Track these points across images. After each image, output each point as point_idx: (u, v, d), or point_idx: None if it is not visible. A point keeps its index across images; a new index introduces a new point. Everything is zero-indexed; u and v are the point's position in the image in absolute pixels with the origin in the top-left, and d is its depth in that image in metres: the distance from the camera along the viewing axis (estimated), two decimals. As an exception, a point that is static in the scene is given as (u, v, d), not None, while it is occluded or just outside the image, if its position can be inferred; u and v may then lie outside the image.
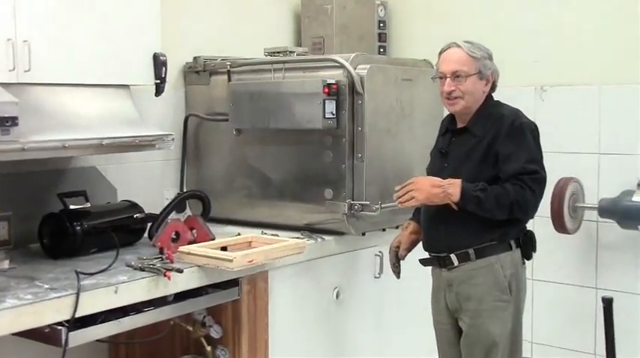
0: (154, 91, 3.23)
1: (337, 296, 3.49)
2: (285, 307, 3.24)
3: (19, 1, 2.71)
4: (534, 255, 3.03)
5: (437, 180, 2.90)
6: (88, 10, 2.95)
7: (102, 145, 2.91)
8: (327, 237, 3.43)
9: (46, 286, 2.54)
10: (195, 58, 3.84)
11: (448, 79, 2.93)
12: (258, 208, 3.66)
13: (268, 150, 3.63)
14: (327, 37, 4.31)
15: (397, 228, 3.68)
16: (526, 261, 3.00)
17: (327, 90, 3.28)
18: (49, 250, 3.03)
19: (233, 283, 3.02)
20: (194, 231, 3.18)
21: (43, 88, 2.84)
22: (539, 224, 4.11)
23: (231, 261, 2.82)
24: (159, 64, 3.17)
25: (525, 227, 2.99)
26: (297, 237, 3.32)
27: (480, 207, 2.82)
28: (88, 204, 3.14)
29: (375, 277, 3.66)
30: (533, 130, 2.93)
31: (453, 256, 2.95)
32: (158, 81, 3.19)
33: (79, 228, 2.99)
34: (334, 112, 3.32)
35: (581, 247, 4.12)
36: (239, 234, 3.30)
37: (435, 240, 3.02)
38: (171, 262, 2.85)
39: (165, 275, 2.71)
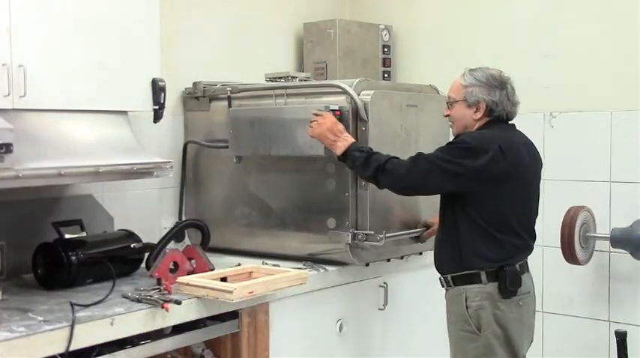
0: (153, 117, 3.24)
1: (340, 329, 3.48)
2: (287, 340, 3.23)
3: (14, 25, 2.73)
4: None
5: (339, 128, 3.21)
6: (86, 35, 2.97)
7: (99, 173, 2.92)
8: (329, 268, 3.43)
9: (40, 318, 2.54)
10: (194, 84, 3.87)
11: (446, 105, 3.17)
12: (258, 238, 3.66)
13: (269, 177, 3.64)
14: (330, 61, 4.35)
15: (402, 258, 3.70)
16: (517, 298, 3.01)
17: (330, 116, 3.30)
18: (43, 281, 3.03)
19: (233, 315, 3.02)
20: (193, 261, 3.18)
21: (39, 114, 2.86)
22: (549, 254, 4.14)
23: (231, 292, 2.82)
24: (157, 89, 3.20)
25: (505, 262, 2.98)
26: (299, 268, 3.32)
27: (353, 164, 3.15)
28: (84, 234, 3.15)
29: (380, 309, 3.66)
30: (469, 146, 2.95)
31: (441, 278, 3.15)
32: (157, 107, 3.21)
33: (74, 258, 2.99)
34: (337, 139, 3.33)
35: (593, 279, 4.11)
36: (239, 265, 3.31)
37: (434, 256, 3.21)
38: (169, 293, 2.85)
39: (162, 307, 2.71)
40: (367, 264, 3.52)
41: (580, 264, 3.95)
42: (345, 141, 3.17)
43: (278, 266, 3.31)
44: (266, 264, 3.37)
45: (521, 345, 3.06)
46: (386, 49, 4.60)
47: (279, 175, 3.60)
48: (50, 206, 3.33)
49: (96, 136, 3.07)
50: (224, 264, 3.32)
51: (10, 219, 3.19)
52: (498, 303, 2.98)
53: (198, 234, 3.51)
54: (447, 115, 3.16)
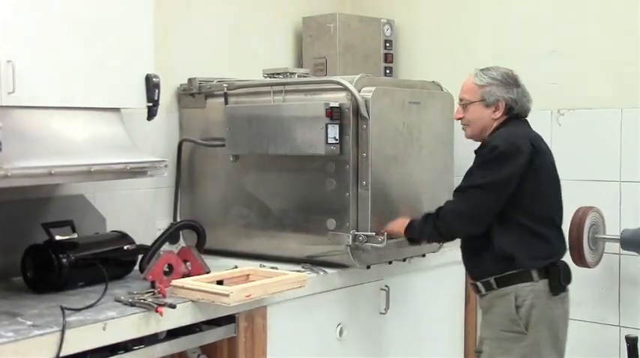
0: (147, 115, 3.24)
1: (340, 334, 3.48)
2: (285, 345, 3.23)
3: (3, 20, 2.72)
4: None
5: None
6: (77, 29, 2.97)
7: (90, 172, 2.92)
8: (329, 270, 3.42)
9: (29, 323, 2.54)
10: (189, 80, 3.86)
11: (459, 106, 3.20)
12: (256, 239, 3.66)
13: (267, 177, 3.63)
14: (329, 57, 4.34)
15: (404, 260, 3.70)
16: (563, 294, 3.12)
17: (329, 113, 3.30)
18: (33, 284, 3.03)
19: (229, 319, 3.02)
20: (188, 263, 3.17)
21: (29, 111, 2.85)
22: (557, 256, 4.12)
23: (227, 295, 2.81)
24: (151, 85, 3.19)
25: (554, 258, 3.10)
26: (298, 270, 3.32)
27: (417, 232, 3.26)
28: (75, 235, 3.15)
29: (381, 313, 3.66)
30: (500, 151, 3.02)
31: (479, 284, 3.16)
32: (151, 104, 3.20)
33: (65, 260, 2.99)
34: (337, 137, 3.33)
35: (603, 282, 4.11)
36: (236, 267, 3.30)
37: (465, 267, 3.31)
38: (164, 297, 2.84)
39: (157, 311, 2.71)
40: (368, 267, 3.52)
41: (589, 267, 3.94)
42: (402, 222, 3.31)
43: (276, 268, 3.31)
44: (264, 266, 3.37)
45: (564, 345, 3.15)
46: (387, 44, 4.59)
47: (277, 175, 3.60)
48: (40, 206, 3.33)
49: (87, 134, 3.06)
50: (220, 267, 3.31)
51: (-1, 219, 3.19)
52: (549, 301, 3.05)
53: (194, 236, 3.50)
54: (460, 118, 3.21)
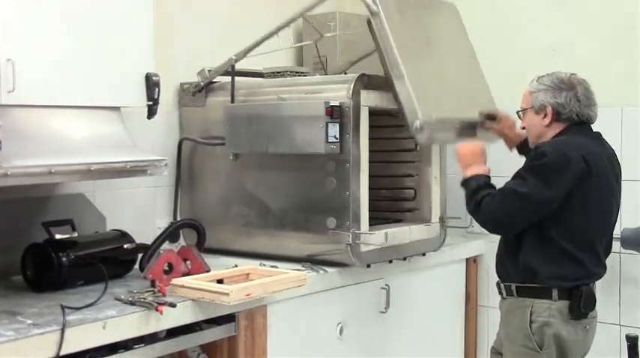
0: (146, 113, 3.24)
1: (341, 332, 3.48)
2: (285, 344, 3.23)
3: (3, 18, 2.72)
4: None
5: (479, 153, 3.23)
6: (77, 28, 2.97)
7: (90, 171, 2.92)
8: (329, 269, 3.42)
9: (29, 322, 2.54)
10: (200, 72, 3.83)
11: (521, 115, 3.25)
12: (256, 238, 3.66)
13: (267, 176, 3.64)
14: (329, 56, 4.33)
15: (405, 259, 3.70)
16: (586, 321, 3.05)
17: (330, 112, 3.30)
18: (33, 283, 3.03)
19: (229, 318, 3.02)
20: (188, 262, 3.18)
21: (28, 110, 2.85)
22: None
23: (227, 294, 2.81)
24: (151, 84, 3.19)
25: (580, 282, 3.00)
26: (298, 269, 3.32)
27: (467, 191, 3.15)
28: (75, 234, 3.15)
29: (381, 312, 3.66)
30: (548, 160, 2.95)
31: (502, 286, 3.16)
32: (150, 102, 3.20)
33: (64, 259, 2.99)
34: (337, 136, 3.33)
35: (603, 281, 4.05)
36: (236, 266, 3.30)
37: (496, 264, 3.25)
38: (164, 296, 2.84)
39: (157, 310, 2.71)
40: (368, 265, 3.52)
41: (589, 266, 3.94)
42: (476, 168, 3.19)
43: (276, 267, 3.31)
44: (264, 265, 3.37)
45: None
46: (389, 44, 4.58)
47: (277, 173, 3.60)
48: (40, 205, 3.33)
49: (87, 133, 3.07)
50: (220, 265, 3.31)
51: (-1, 218, 3.19)
52: (565, 324, 2.99)
53: (194, 235, 3.51)
54: (523, 127, 3.23)
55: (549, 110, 3.07)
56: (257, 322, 3.12)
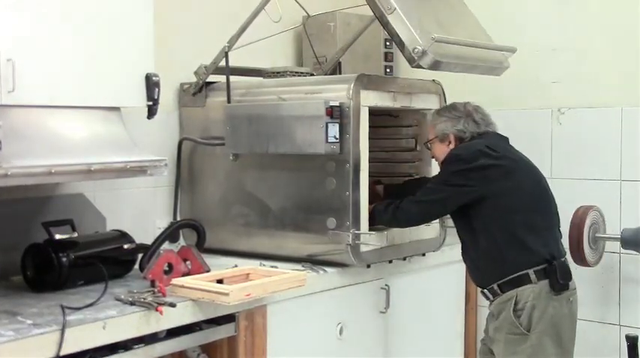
0: (146, 114, 3.24)
1: (341, 333, 3.48)
2: (285, 344, 3.23)
3: (2, 17, 2.72)
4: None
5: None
6: (77, 28, 2.97)
7: (90, 171, 2.92)
8: (329, 269, 3.42)
9: (29, 322, 2.54)
10: (197, 70, 3.83)
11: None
12: (256, 238, 3.67)
13: (267, 176, 3.64)
14: (330, 56, 4.33)
15: (404, 259, 3.70)
16: (568, 293, 3.21)
17: (329, 112, 3.30)
18: (33, 283, 3.03)
19: (229, 318, 3.02)
20: (188, 262, 3.18)
21: (29, 110, 2.85)
22: (557, 255, 4.12)
23: (227, 294, 2.82)
24: (151, 84, 3.19)
25: (551, 256, 3.17)
26: (298, 269, 3.32)
27: (378, 219, 3.45)
28: (75, 234, 3.15)
29: (381, 312, 3.66)
30: (454, 157, 3.29)
31: (486, 291, 3.30)
32: (150, 103, 3.20)
33: (64, 259, 2.99)
34: (337, 136, 3.33)
35: (603, 281, 4.11)
36: (236, 266, 3.31)
37: (471, 278, 3.56)
38: (164, 296, 2.85)
39: (156, 310, 2.71)
40: (368, 266, 3.52)
41: (589, 266, 3.95)
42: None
43: (276, 267, 3.31)
44: (263, 265, 3.37)
45: (571, 343, 3.24)
46: (388, 43, 4.59)
47: (277, 173, 3.60)
48: (40, 205, 3.33)
49: (87, 133, 3.07)
50: (220, 266, 3.31)
51: (-1, 218, 3.19)
52: (550, 301, 3.14)
53: (194, 235, 3.51)
54: (432, 156, 3.53)
55: (452, 137, 3.37)
56: (257, 322, 3.12)
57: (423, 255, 3.81)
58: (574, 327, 3.28)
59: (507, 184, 3.21)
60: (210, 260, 3.29)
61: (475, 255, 3.30)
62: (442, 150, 3.40)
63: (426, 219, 3.49)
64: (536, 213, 3.25)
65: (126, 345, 2.69)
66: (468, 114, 3.38)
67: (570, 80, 4.19)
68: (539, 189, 3.33)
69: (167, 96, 3.79)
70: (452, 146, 3.37)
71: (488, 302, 3.33)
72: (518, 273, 3.16)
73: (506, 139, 3.43)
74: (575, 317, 3.29)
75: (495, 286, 3.22)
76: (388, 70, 4.60)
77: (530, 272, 3.14)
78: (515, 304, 3.14)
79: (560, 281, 3.16)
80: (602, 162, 4.08)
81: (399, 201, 3.38)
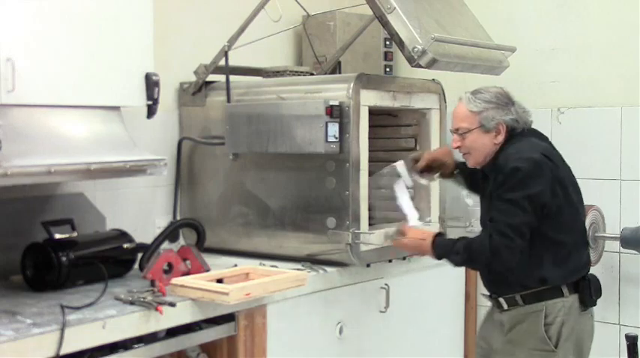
0: (146, 113, 3.24)
1: (340, 332, 3.48)
2: (285, 344, 3.23)
3: (2, 17, 2.72)
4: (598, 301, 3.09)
5: (424, 232, 3.13)
6: (77, 27, 2.96)
7: (90, 170, 2.92)
8: (329, 269, 3.42)
9: (29, 321, 2.54)
10: (197, 70, 3.83)
11: (455, 136, 3.08)
12: (256, 238, 3.67)
13: (267, 175, 3.64)
14: (329, 56, 4.33)
15: (404, 258, 3.70)
16: (592, 309, 3.06)
17: (329, 111, 3.30)
18: (33, 282, 3.03)
19: (229, 318, 3.02)
20: (188, 262, 3.18)
21: (28, 110, 2.85)
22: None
23: (227, 294, 2.82)
24: (151, 84, 3.19)
25: (584, 271, 3.03)
26: (298, 269, 3.32)
27: (455, 260, 3.02)
28: (75, 233, 3.14)
29: (381, 311, 3.66)
30: (525, 173, 2.88)
31: (502, 300, 3.05)
32: (150, 102, 3.20)
33: (64, 258, 2.99)
34: (337, 136, 3.33)
35: (602, 280, 4.07)
36: (236, 266, 3.31)
37: (485, 281, 3.17)
38: (163, 295, 2.85)
39: (156, 310, 2.71)
40: (368, 265, 3.52)
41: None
42: (428, 237, 3.09)
43: (276, 267, 3.32)
44: (263, 264, 3.37)
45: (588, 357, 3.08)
46: (388, 43, 4.59)
47: (277, 173, 3.60)
48: (40, 205, 3.33)
49: (87, 133, 3.07)
50: (220, 265, 3.32)
51: (-2, 218, 3.19)
52: (578, 316, 2.98)
53: (193, 234, 3.51)
54: (458, 147, 3.09)
55: (503, 128, 3.01)
56: (257, 322, 3.12)
57: (423, 254, 3.80)
58: (591, 343, 3.15)
59: (564, 200, 2.95)
60: (210, 259, 3.29)
61: None
62: (483, 142, 3.02)
63: (522, 236, 2.90)
64: (580, 228, 3.08)
65: (125, 345, 2.69)
66: (513, 102, 3.04)
67: (570, 80, 4.19)
68: (581, 200, 3.10)
69: (167, 96, 3.79)
70: (500, 138, 3.00)
71: (495, 309, 3.11)
72: (550, 286, 2.95)
73: (546, 138, 3.15)
74: (593, 333, 3.16)
75: (518, 296, 2.98)
76: (388, 70, 4.59)
77: (563, 285, 2.95)
78: (545, 317, 2.94)
79: (592, 297, 3.00)
80: (601, 162, 4.08)
81: (483, 242, 2.92)
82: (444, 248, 3.04)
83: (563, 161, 3.07)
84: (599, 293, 3.06)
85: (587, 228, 3.82)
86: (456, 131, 3.07)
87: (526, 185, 2.87)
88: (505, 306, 3.04)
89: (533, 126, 3.14)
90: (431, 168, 3.39)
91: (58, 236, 3.07)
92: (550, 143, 3.13)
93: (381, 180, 3.57)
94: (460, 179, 3.40)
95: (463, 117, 3.04)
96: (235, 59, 3.79)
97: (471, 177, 3.33)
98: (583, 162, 4.10)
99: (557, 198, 2.93)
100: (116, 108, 3.18)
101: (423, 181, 3.47)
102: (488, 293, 3.15)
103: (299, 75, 3.89)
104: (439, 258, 3.07)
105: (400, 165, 3.39)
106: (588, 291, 3.00)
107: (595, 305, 3.06)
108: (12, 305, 2.74)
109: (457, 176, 3.39)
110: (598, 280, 3.07)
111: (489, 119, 2.99)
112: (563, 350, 2.96)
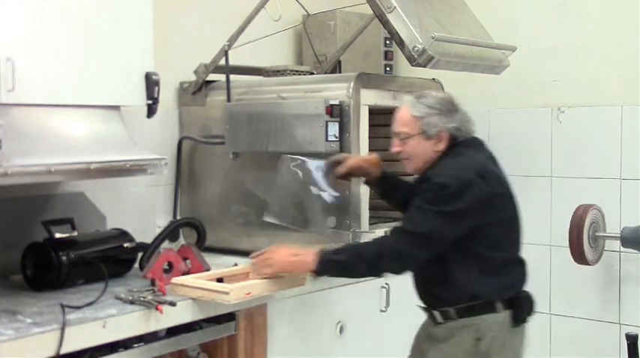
0: (146, 112, 3.24)
1: (341, 331, 3.49)
2: (285, 343, 3.24)
3: (2, 17, 2.72)
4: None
5: (296, 249, 2.91)
6: (77, 26, 2.97)
7: (90, 170, 2.92)
8: (329, 268, 3.42)
9: (29, 321, 2.54)
10: (197, 70, 3.83)
11: (396, 140, 2.97)
12: (256, 237, 3.66)
13: (267, 175, 3.63)
14: (330, 55, 4.34)
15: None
16: (524, 325, 2.95)
17: (329, 111, 3.30)
18: (33, 282, 3.03)
19: (229, 317, 3.02)
20: (188, 261, 3.18)
21: (28, 109, 2.85)
22: (557, 254, 4.14)
23: (227, 293, 2.82)
24: (151, 83, 3.19)
25: (519, 287, 2.93)
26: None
27: (342, 268, 2.84)
28: (75, 233, 3.14)
29: (381, 311, 3.66)
30: (447, 188, 2.75)
31: (436, 313, 2.93)
32: (150, 101, 3.20)
33: (64, 258, 2.99)
34: (337, 135, 3.33)
35: (603, 279, 4.11)
36: (236, 265, 3.30)
37: (418, 293, 3.02)
38: (164, 295, 2.84)
39: (156, 309, 2.71)
40: (368, 265, 3.51)
41: (589, 264, 3.95)
42: (308, 253, 2.86)
43: (276, 266, 3.31)
44: (264, 264, 3.37)
45: None
46: (388, 42, 4.59)
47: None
48: (40, 204, 3.33)
49: (87, 132, 3.07)
50: (220, 264, 3.31)
51: (-2, 217, 3.19)
52: (509, 333, 2.89)
53: (194, 233, 3.51)
54: (399, 151, 2.96)
55: (445, 135, 2.88)
56: (257, 321, 3.12)
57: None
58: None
59: (499, 216, 2.84)
60: (210, 259, 3.29)
61: (434, 273, 2.89)
62: (424, 148, 2.89)
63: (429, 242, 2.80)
64: (517, 243, 2.96)
65: (126, 344, 2.69)
66: (457, 109, 2.92)
67: (570, 79, 4.19)
68: (519, 216, 2.96)
69: (167, 95, 3.80)
70: (441, 146, 2.88)
71: (430, 322, 2.98)
72: (482, 301, 2.84)
73: (485, 147, 3.01)
74: (524, 348, 3.00)
75: (452, 310, 2.86)
76: (388, 69, 4.59)
77: (498, 301, 2.84)
78: (476, 331, 2.83)
79: (525, 314, 2.90)
80: (602, 161, 4.08)
81: (378, 246, 2.85)
82: (327, 254, 2.85)
83: (500, 176, 2.91)
84: (531, 311, 2.95)
85: (586, 226, 3.84)
86: (397, 135, 2.95)
87: (445, 202, 2.74)
88: (440, 319, 2.92)
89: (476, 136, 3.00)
90: (351, 175, 3.27)
91: (58, 235, 3.07)
92: (490, 155, 3.00)
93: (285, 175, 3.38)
94: (378, 191, 3.28)
95: (405, 121, 2.92)
96: (235, 58, 3.79)
97: (391, 191, 3.23)
98: (583, 162, 4.12)
99: (484, 215, 2.79)
100: (116, 108, 3.18)
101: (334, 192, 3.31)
102: (423, 306, 3.03)
103: (299, 74, 3.89)
104: (322, 263, 2.84)
105: (312, 164, 3.27)
106: (521, 308, 2.90)
107: (526, 322, 2.95)
108: (12, 305, 2.74)
109: (378, 187, 3.27)
110: (532, 297, 2.96)
111: (431, 125, 2.87)
112: None
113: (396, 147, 2.97)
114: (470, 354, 2.85)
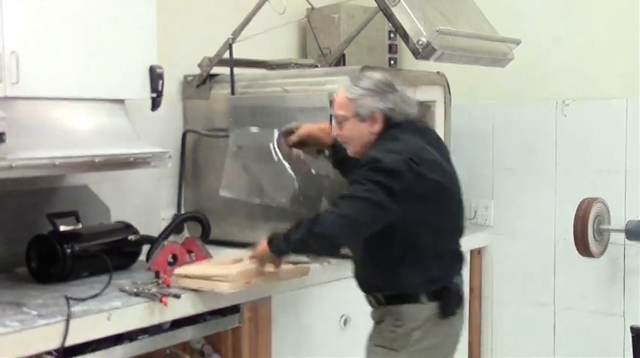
0: (150, 106, 3.25)
1: (345, 324, 3.49)
2: (290, 335, 3.24)
3: (6, 10, 2.72)
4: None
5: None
6: (81, 20, 2.97)
7: (95, 163, 2.93)
8: (333, 260, 3.42)
9: (34, 313, 2.55)
10: (201, 63, 3.83)
11: (334, 124, 2.94)
12: (260, 230, 3.64)
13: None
14: (334, 48, 4.33)
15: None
16: (453, 319, 2.89)
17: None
18: (38, 274, 3.04)
19: (233, 310, 3.03)
20: (192, 254, 3.19)
21: (33, 102, 2.86)
22: (562, 247, 4.13)
23: (225, 276, 2.81)
24: (155, 76, 3.20)
25: (448, 279, 2.88)
26: (302, 261, 3.32)
27: (295, 244, 2.78)
28: (80, 225, 3.15)
29: (386, 304, 3.66)
30: (380, 162, 2.70)
31: (371, 298, 2.94)
32: (154, 95, 3.21)
33: (69, 250, 3.00)
34: (341, 128, 3.32)
35: (607, 272, 4.11)
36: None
37: (356, 280, 3.00)
38: (168, 287, 2.86)
39: (161, 301, 2.72)
40: (372, 257, 3.52)
41: (594, 257, 3.95)
42: (263, 245, 2.86)
43: (280, 259, 3.31)
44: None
45: None
46: (392, 35, 4.58)
47: (281, 165, 3.60)
48: (45, 197, 3.34)
49: (91, 125, 3.08)
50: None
51: (3, 210, 3.20)
52: (435, 325, 2.82)
53: (198, 227, 3.51)
54: (338, 135, 2.93)
55: (379, 116, 2.82)
56: (261, 313, 3.13)
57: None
58: (455, 349, 2.97)
59: (432, 207, 2.76)
60: (214, 251, 3.31)
61: (365, 260, 2.91)
62: (360, 130, 2.84)
63: (354, 226, 2.74)
64: (453, 237, 2.92)
65: (130, 336, 2.70)
66: (394, 90, 2.85)
67: (574, 72, 4.17)
68: (460, 209, 2.94)
69: (171, 89, 3.79)
70: (377, 127, 2.82)
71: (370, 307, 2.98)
72: (408, 291, 2.81)
73: (431, 133, 3.00)
74: (457, 342, 2.96)
75: (380, 296, 2.86)
76: (392, 62, 4.59)
77: (422, 293, 2.79)
78: (397, 320, 2.81)
79: (451, 307, 2.84)
80: (606, 154, 4.07)
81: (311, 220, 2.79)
82: (278, 233, 2.83)
83: (437, 163, 2.83)
84: (460, 304, 2.90)
85: (591, 219, 3.83)
86: (335, 119, 2.92)
87: (380, 174, 2.67)
88: (375, 304, 2.92)
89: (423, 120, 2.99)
90: (304, 144, 3.24)
91: (62, 228, 3.08)
92: (432, 140, 2.93)
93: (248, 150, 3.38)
94: (331, 160, 3.23)
95: (341, 104, 2.87)
96: (239, 52, 3.79)
97: (342, 162, 3.16)
98: (588, 154, 4.11)
99: (417, 203, 2.72)
100: (120, 101, 3.19)
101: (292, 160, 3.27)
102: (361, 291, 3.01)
103: (303, 67, 3.89)
104: (274, 244, 2.82)
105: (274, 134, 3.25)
106: (448, 301, 2.84)
107: (454, 315, 2.87)
108: (17, 297, 2.76)
109: (329, 156, 3.22)
110: (461, 290, 2.93)
111: (365, 107, 2.82)
112: (405, 355, 2.80)
113: (334, 131, 2.94)
114: (386, 340, 2.84)
